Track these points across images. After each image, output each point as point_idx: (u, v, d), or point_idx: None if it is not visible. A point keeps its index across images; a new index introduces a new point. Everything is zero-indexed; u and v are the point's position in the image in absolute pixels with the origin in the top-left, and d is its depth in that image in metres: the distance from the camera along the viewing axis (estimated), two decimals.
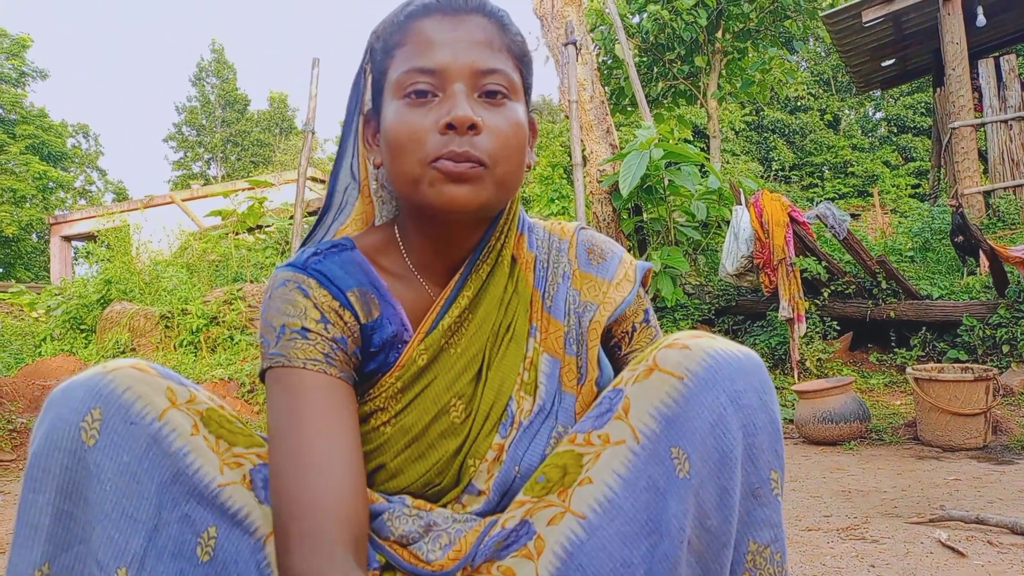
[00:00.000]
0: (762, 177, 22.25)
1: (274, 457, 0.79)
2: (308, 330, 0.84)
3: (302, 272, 0.88)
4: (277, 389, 0.82)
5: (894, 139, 25.04)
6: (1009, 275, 5.13)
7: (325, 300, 0.87)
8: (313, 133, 5.97)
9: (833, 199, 22.68)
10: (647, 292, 1.05)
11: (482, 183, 0.84)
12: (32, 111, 27.29)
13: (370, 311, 0.90)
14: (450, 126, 0.82)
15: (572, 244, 1.02)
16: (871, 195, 19.50)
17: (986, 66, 8.65)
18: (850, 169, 24.05)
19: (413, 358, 0.91)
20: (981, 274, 5.77)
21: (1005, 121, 8.40)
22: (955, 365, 4.22)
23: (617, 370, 0.99)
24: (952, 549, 2.15)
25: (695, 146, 8.12)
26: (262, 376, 0.84)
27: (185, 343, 7.11)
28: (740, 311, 6.16)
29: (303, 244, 1.02)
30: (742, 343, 5.76)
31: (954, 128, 8.51)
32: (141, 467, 0.76)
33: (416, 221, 0.92)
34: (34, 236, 26.68)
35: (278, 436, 0.79)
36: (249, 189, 9.49)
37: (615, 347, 1.01)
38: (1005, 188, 8.26)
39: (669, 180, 6.14)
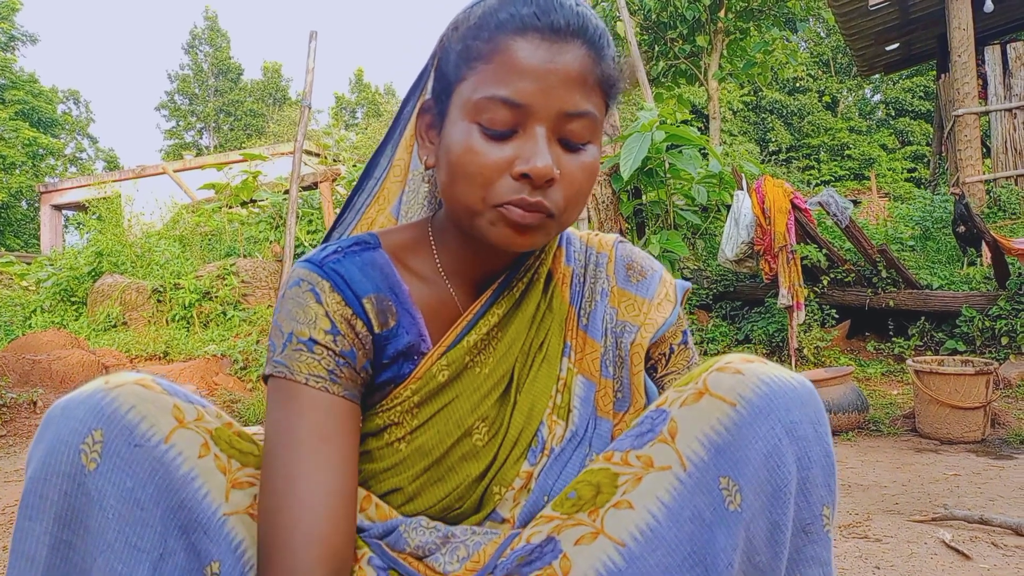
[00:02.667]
0: (759, 158, 22.18)
1: (264, 473, 0.76)
2: (315, 342, 0.79)
3: (318, 271, 0.83)
4: (276, 401, 0.79)
5: (892, 122, 24.96)
6: (1011, 267, 5.10)
7: (338, 308, 0.81)
8: (310, 108, 5.86)
9: (829, 182, 22.65)
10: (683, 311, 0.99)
11: (546, 232, 0.79)
12: (22, 76, 26.88)
13: (386, 320, 0.85)
14: (526, 175, 0.76)
15: (611, 259, 0.97)
16: (867, 178, 19.49)
17: (992, 53, 8.56)
18: (847, 152, 23.98)
19: (432, 373, 0.86)
20: (982, 265, 5.74)
21: (1010, 109, 8.34)
22: (955, 358, 4.20)
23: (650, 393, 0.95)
24: (956, 551, 2.13)
25: (694, 125, 8.04)
26: (265, 379, 0.81)
27: (177, 318, 7.05)
28: (738, 297, 6.13)
29: (333, 227, 0.99)
30: (739, 329, 5.77)
31: (958, 116, 8.45)
32: (146, 493, 0.70)
33: (457, 229, 0.87)
34: (24, 204, 26.41)
35: (271, 453, 0.77)
36: (242, 161, 9.35)
37: (650, 369, 0.96)
38: (1007, 177, 8.22)
39: (670, 163, 6.07)
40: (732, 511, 0.73)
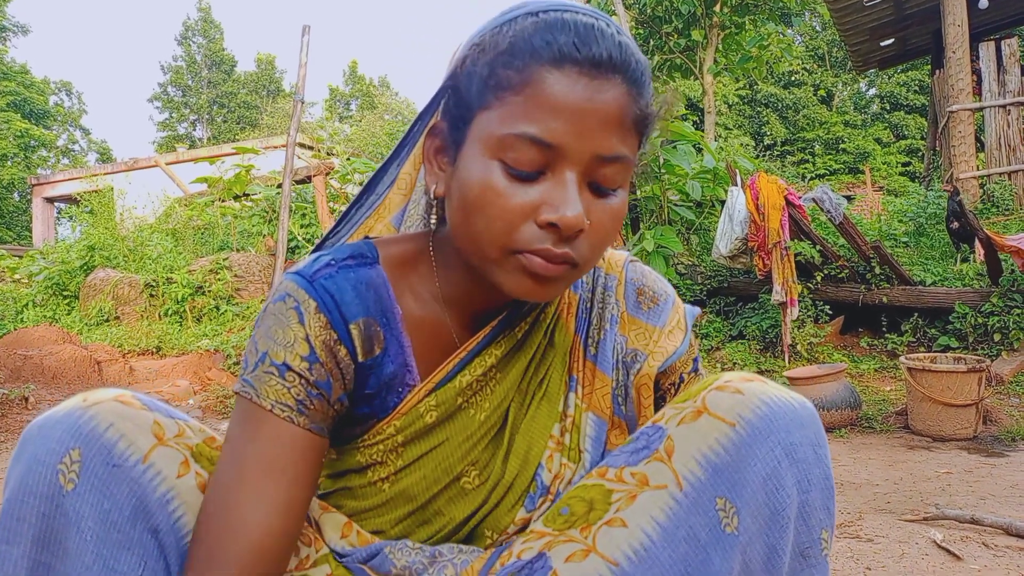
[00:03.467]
0: (754, 151, 22.18)
1: (207, 491, 0.72)
2: (289, 368, 0.73)
3: (307, 288, 0.76)
4: (238, 420, 0.75)
5: (887, 116, 24.98)
6: (1004, 264, 5.12)
7: (320, 332, 0.75)
8: (303, 102, 5.83)
9: (824, 176, 22.68)
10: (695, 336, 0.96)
11: (566, 282, 0.74)
12: (13, 67, 26.70)
13: (371, 347, 0.78)
14: (553, 224, 0.69)
15: (621, 282, 0.91)
16: (862, 172, 19.51)
17: (987, 49, 8.57)
18: (842, 146, 24.01)
19: (420, 412, 0.81)
20: (975, 261, 5.76)
21: (1003, 106, 8.35)
22: (948, 355, 4.22)
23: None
24: (947, 551, 2.14)
25: (688, 118, 8.03)
26: (236, 393, 0.76)
27: (170, 312, 7.02)
28: (732, 293, 6.13)
29: (325, 238, 0.90)
30: (733, 325, 5.77)
31: (952, 112, 8.46)
32: (123, 516, 0.69)
33: (461, 258, 0.79)
34: (16, 195, 26.26)
35: (219, 473, 0.73)
36: (235, 155, 9.30)
37: (660, 399, 0.92)
38: (1000, 173, 8.23)
39: (664, 159, 6.06)
40: (729, 534, 0.72)
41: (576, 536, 0.77)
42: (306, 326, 0.74)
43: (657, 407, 0.91)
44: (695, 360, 0.92)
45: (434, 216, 0.81)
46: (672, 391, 0.91)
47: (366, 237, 0.88)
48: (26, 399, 4.46)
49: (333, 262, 0.79)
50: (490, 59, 0.71)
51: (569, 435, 0.85)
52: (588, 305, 0.90)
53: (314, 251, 0.84)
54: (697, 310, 0.95)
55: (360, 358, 0.78)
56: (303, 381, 0.74)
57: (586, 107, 0.68)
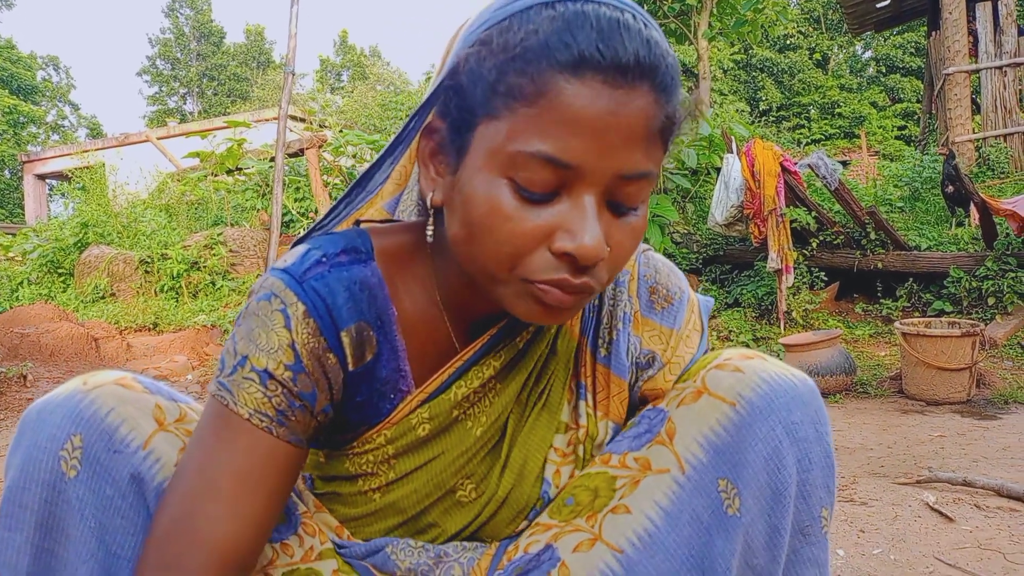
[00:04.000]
0: (749, 117, 22.04)
1: (172, 495, 0.67)
2: (271, 376, 0.67)
3: (296, 289, 0.69)
4: (210, 423, 0.68)
5: (882, 79, 24.81)
6: (999, 227, 5.12)
7: (308, 340, 0.68)
8: (293, 74, 5.76)
9: (819, 140, 22.58)
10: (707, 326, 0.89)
11: (582, 305, 0.67)
12: None
13: (363, 354, 0.72)
14: (569, 254, 0.61)
15: (634, 277, 0.83)
16: (858, 136, 19.42)
17: (983, 10, 8.47)
18: (837, 110, 23.85)
19: (412, 424, 0.76)
20: (970, 225, 5.76)
21: (1000, 68, 8.28)
22: (942, 320, 4.24)
23: None
24: (940, 513, 2.17)
25: (684, 86, 7.96)
26: (211, 393, 0.70)
27: (166, 288, 7.02)
28: (728, 260, 6.14)
29: (313, 229, 0.80)
30: (729, 293, 5.78)
31: (948, 74, 8.39)
32: (126, 502, 0.68)
33: (461, 265, 0.71)
34: (7, 172, 26.05)
35: (187, 476, 0.67)
36: (227, 128, 9.22)
37: None
38: (996, 136, 8.20)
39: None
40: (731, 516, 0.72)
41: (583, 525, 0.77)
42: (293, 331, 0.68)
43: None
44: (703, 350, 0.87)
45: (430, 227, 0.72)
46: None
47: (358, 221, 0.82)
48: (24, 377, 4.47)
49: (325, 259, 0.72)
50: (499, 62, 0.61)
51: (582, 446, 0.81)
52: (596, 303, 0.82)
53: (300, 241, 0.77)
54: (711, 302, 0.89)
55: (351, 367, 0.72)
56: (285, 391, 0.68)
57: (609, 121, 0.59)
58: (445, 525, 0.81)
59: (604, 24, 0.59)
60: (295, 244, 0.76)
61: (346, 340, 0.71)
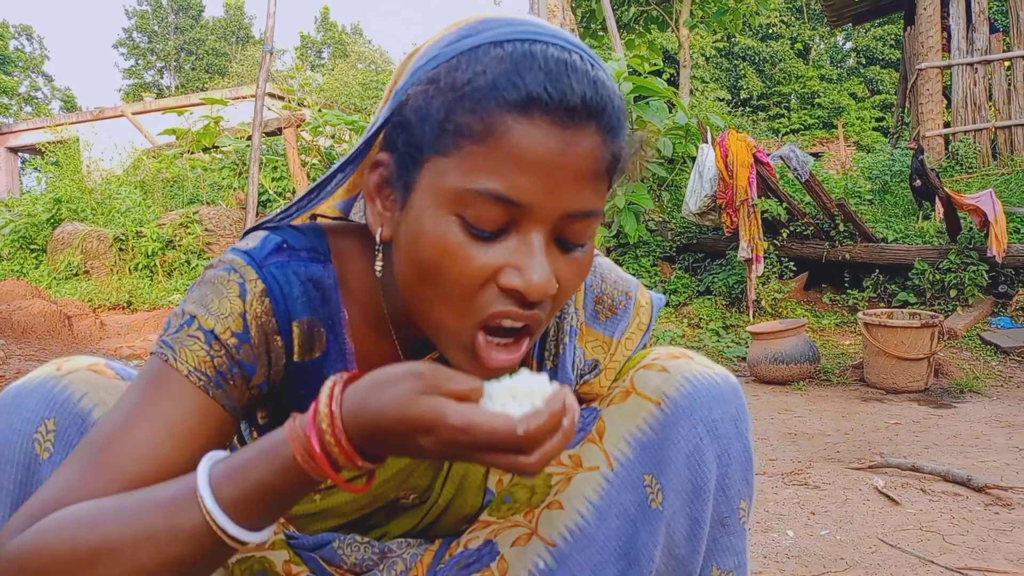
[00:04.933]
0: (729, 105, 22.15)
1: (96, 435, 0.64)
2: (216, 337, 0.67)
3: (256, 270, 0.70)
4: (146, 379, 0.67)
5: (862, 71, 25.03)
6: (962, 221, 5.25)
7: (261, 315, 0.69)
8: (271, 53, 5.73)
9: (798, 130, 22.77)
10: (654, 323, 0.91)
11: (529, 342, 0.67)
12: None
13: (311, 348, 0.73)
14: (516, 290, 0.62)
15: (580, 289, 0.83)
16: (836, 127, 19.61)
17: (957, 6, 8.59)
18: (817, 100, 24.06)
19: None
20: (936, 219, 5.89)
21: (971, 64, 8.42)
22: (904, 311, 4.35)
23: None
24: (887, 496, 2.27)
25: (665, 72, 8.01)
26: (151, 352, 0.69)
27: (140, 267, 6.98)
28: (701, 249, 6.23)
29: (265, 222, 0.78)
30: (701, 281, 5.86)
31: (920, 69, 8.52)
32: None
33: (407, 304, 0.70)
34: None
35: (112, 419, 0.65)
36: (203, 105, 9.13)
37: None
38: (966, 132, 8.35)
39: (637, 115, 6.08)
40: (654, 509, 0.77)
41: (520, 521, 0.82)
42: (247, 303, 0.69)
43: None
44: (644, 341, 0.90)
45: (379, 262, 0.71)
46: None
47: (314, 216, 0.83)
48: None
49: (285, 247, 0.73)
50: (448, 100, 0.61)
51: None
52: None
53: (252, 230, 0.77)
54: (663, 300, 0.91)
55: (296, 357, 0.73)
56: (227, 355, 0.68)
57: (557, 161, 0.59)
58: (389, 527, 0.84)
59: (552, 65, 0.59)
60: (246, 233, 0.77)
61: (296, 331, 0.72)
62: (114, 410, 0.66)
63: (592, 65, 0.62)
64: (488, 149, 0.59)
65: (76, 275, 7.08)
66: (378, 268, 0.71)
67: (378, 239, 0.69)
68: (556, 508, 0.80)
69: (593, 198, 0.63)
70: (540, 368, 0.84)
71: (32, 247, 7.73)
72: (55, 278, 7.07)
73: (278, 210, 0.79)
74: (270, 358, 0.71)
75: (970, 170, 7.87)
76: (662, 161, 6.52)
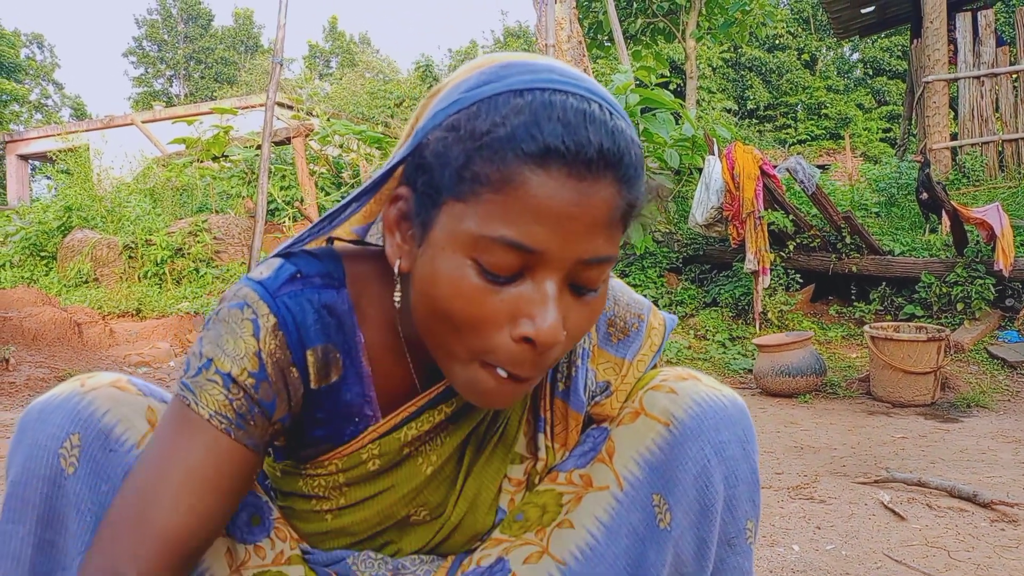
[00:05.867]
0: (736, 115, 22.17)
1: (128, 486, 0.69)
2: (234, 380, 0.70)
3: (269, 302, 0.72)
4: (171, 421, 0.71)
5: (869, 81, 25.02)
6: (969, 235, 5.25)
7: (275, 351, 0.71)
8: (281, 65, 5.78)
9: (805, 141, 22.77)
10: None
11: (535, 381, 0.69)
12: None
13: (327, 374, 0.75)
14: (527, 339, 0.64)
15: None
16: (843, 138, 19.60)
17: (963, 20, 8.61)
18: (824, 111, 24.04)
19: (362, 458, 0.79)
20: (942, 232, 5.89)
21: (978, 77, 8.43)
22: (911, 324, 4.36)
23: None
24: (893, 512, 2.27)
25: (671, 82, 8.04)
26: (175, 393, 0.73)
27: (149, 275, 7.03)
28: (707, 260, 6.24)
29: (287, 247, 0.79)
30: (707, 292, 5.87)
31: (927, 82, 8.53)
32: None
33: (421, 335, 0.72)
34: None
35: (145, 469, 0.69)
36: (213, 114, 9.20)
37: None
38: (972, 144, 8.35)
39: (644, 127, 6.11)
40: (662, 529, 0.79)
41: (532, 539, 0.83)
42: (260, 341, 0.71)
43: None
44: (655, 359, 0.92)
45: (398, 292, 0.73)
46: None
47: (329, 240, 0.84)
48: (7, 360, 4.49)
49: (299, 276, 0.74)
50: (467, 148, 0.62)
51: (539, 476, 0.86)
52: None
53: (274, 256, 0.79)
54: (675, 320, 0.92)
55: (313, 384, 0.75)
56: (247, 396, 0.70)
57: (573, 212, 0.61)
58: (401, 544, 0.86)
59: (571, 116, 0.61)
60: (268, 259, 0.79)
61: (311, 359, 0.74)
62: (146, 455, 0.70)
63: (611, 114, 0.63)
64: (505, 198, 0.61)
65: (86, 282, 7.13)
66: (397, 299, 0.72)
67: (396, 271, 0.70)
68: (567, 527, 0.82)
69: (607, 245, 0.64)
70: (553, 389, 0.85)
71: (43, 254, 7.79)
72: (65, 285, 7.13)
73: (293, 237, 0.80)
74: (288, 391, 0.74)
75: (977, 183, 7.87)
76: (669, 173, 6.55)
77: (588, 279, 0.65)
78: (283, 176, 8.84)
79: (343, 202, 0.76)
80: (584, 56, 6.78)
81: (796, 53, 25.36)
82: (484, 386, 0.67)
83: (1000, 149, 8.39)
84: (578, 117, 0.61)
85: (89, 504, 0.72)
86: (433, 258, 0.65)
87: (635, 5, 11.51)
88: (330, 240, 0.85)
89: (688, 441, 0.78)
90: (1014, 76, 8.46)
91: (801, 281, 5.69)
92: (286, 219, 8.08)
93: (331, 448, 0.79)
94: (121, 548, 0.66)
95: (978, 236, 5.16)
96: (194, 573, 0.74)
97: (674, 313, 5.81)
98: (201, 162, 8.83)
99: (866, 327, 4.25)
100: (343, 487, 0.81)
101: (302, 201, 8.05)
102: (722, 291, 5.81)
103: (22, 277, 7.50)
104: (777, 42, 25.06)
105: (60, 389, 0.75)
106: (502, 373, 0.66)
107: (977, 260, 5.13)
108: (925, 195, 5.80)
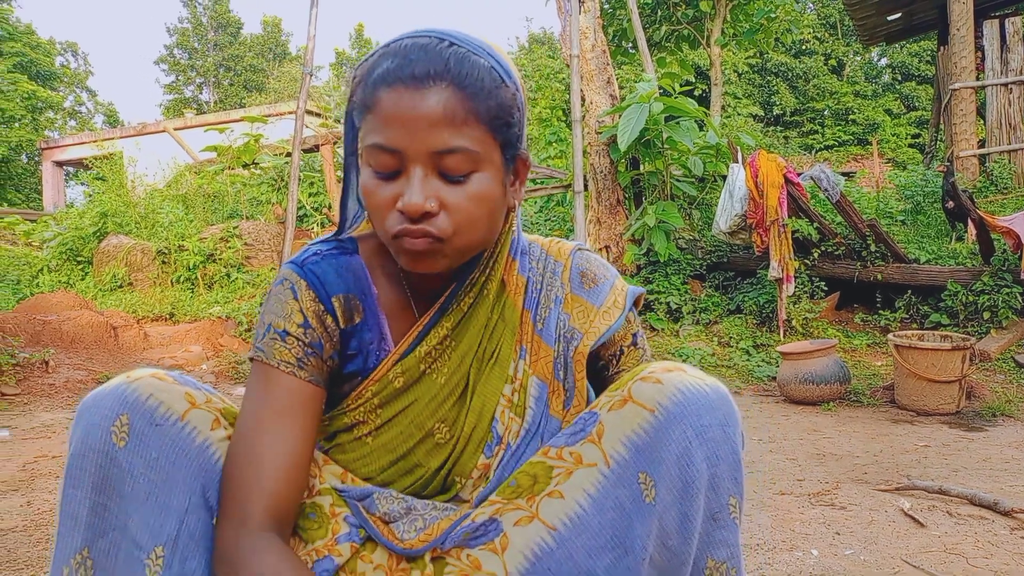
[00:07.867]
0: (763, 121, 22.06)
1: (234, 437, 0.89)
2: (288, 333, 0.93)
3: (298, 271, 0.96)
4: (254, 379, 0.93)
5: (897, 87, 24.75)
6: (996, 243, 5.22)
7: (311, 305, 0.94)
8: (311, 75, 5.90)
9: (832, 147, 22.57)
10: (637, 312, 1.09)
11: (441, 255, 0.88)
12: (19, 27, 26.53)
13: (352, 316, 0.97)
14: (401, 211, 0.85)
15: (567, 267, 1.05)
16: (870, 143, 19.42)
17: (991, 27, 8.54)
18: (851, 116, 23.82)
19: (389, 378, 0.98)
20: (969, 241, 5.86)
21: (1005, 84, 8.35)
22: (935, 332, 4.35)
23: (603, 389, 1.03)
24: (913, 519, 2.30)
25: (696, 88, 8.06)
26: (250, 359, 0.95)
27: (182, 279, 7.19)
28: (731, 268, 6.26)
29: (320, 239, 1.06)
30: (731, 299, 5.90)
31: (954, 89, 8.47)
32: (169, 461, 0.86)
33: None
34: (24, 158, 26.29)
35: (242, 421, 0.90)
36: (243, 121, 9.39)
37: (603, 368, 1.07)
38: (1000, 152, 8.27)
39: (668, 134, 6.15)
40: (648, 503, 0.87)
41: (523, 504, 0.93)
42: (299, 300, 0.94)
43: (600, 374, 1.07)
44: (635, 335, 1.07)
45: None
46: (613, 361, 1.06)
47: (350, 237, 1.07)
48: (46, 363, 4.64)
49: (319, 251, 0.98)
50: (356, 88, 0.87)
51: (518, 394, 1.01)
52: (538, 287, 1.05)
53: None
54: (641, 289, 1.08)
55: (343, 324, 0.97)
56: (300, 343, 0.93)
57: (412, 114, 0.82)
58: (428, 464, 1.00)
59: (407, 49, 0.84)
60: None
61: (337, 305, 0.96)
62: (244, 409, 0.91)
63: (451, 45, 0.85)
64: (373, 115, 0.84)
65: (121, 287, 7.31)
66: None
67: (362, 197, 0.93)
68: (556, 497, 0.91)
69: (456, 138, 0.83)
70: (533, 325, 1.03)
71: (79, 259, 7.99)
72: (101, 290, 7.31)
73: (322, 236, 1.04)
74: (328, 334, 0.96)
75: (1005, 191, 7.79)
76: (692, 180, 6.58)
77: (449, 167, 0.84)
78: (311, 183, 8.99)
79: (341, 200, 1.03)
80: (608, 65, 6.83)
81: (823, 58, 25.15)
82: (404, 256, 0.87)
83: None
84: (412, 49, 0.84)
85: (141, 469, 0.85)
86: (361, 177, 0.89)
87: (660, 12, 11.53)
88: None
89: (672, 425, 0.87)
90: None
91: (826, 289, 5.69)
92: (315, 225, 8.21)
93: (358, 385, 0.99)
94: (244, 481, 0.86)
95: (1005, 245, 5.13)
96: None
97: (698, 319, 5.84)
98: (232, 169, 9.01)
99: (890, 335, 4.25)
100: (378, 409, 0.99)
101: (330, 207, 8.19)
102: (746, 298, 5.82)
103: (59, 281, 7.70)
104: (804, 47, 24.88)
105: (110, 382, 0.90)
106: (404, 240, 0.85)
107: (1004, 269, 5.11)
108: (951, 204, 5.78)
